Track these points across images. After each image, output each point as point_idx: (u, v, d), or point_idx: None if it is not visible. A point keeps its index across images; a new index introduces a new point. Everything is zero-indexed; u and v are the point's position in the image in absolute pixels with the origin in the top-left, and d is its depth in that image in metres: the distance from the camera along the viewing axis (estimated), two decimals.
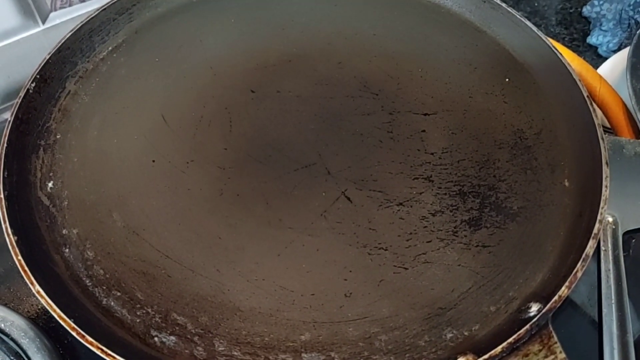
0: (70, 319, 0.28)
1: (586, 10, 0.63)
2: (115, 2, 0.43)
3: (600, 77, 0.51)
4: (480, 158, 0.37)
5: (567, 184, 0.35)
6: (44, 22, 0.47)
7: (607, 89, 0.51)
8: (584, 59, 0.51)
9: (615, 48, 0.60)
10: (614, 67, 0.55)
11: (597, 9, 0.62)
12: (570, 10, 0.64)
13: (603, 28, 0.61)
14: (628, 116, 0.49)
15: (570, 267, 0.30)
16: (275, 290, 0.32)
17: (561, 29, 0.63)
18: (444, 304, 0.31)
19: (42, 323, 0.37)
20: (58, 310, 0.29)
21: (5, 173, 0.34)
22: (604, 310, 0.36)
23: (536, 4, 0.65)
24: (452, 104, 0.40)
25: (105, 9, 0.42)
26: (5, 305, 0.38)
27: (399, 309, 0.31)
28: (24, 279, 0.38)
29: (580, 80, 0.38)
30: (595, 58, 0.61)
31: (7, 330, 0.34)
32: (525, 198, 0.35)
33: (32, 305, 0.38)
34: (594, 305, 0.37)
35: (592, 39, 0.61)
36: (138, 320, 0.30)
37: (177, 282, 0.32)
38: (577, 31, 0.63)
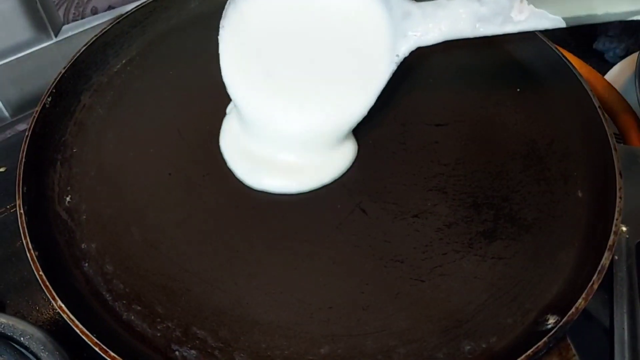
0: (92, 334, 0.29)
1: None
2: (129, 15, 0.43)
3: (609, 84, 0.51)
4: (494, 169, 0.37)
5: (580, 194, 0.36)
6: (56, 35, 0.48)
7: (616, 95, 0.51)
8: (590, 64, 0.51)
9: (622, 54, 0.60)
10: (621, 72, 0.56)
11: None
12: None
13: (609, 34, 0.61)
14: (636, 122, 0.49)
15: (586, 278, 0.31)
16: (294, 303, 0.32)
17: (567, 35, 0.63)
18: (461, 316, 0.31)
19: (60, 335, 0.37)
20: (81, 326, 0.29)
21: (25, 188, 0.34)
22: (616, 318, 0.37)
23: None
24: (464, 115, 0.40)
25: (118, 22, 0.43)
26: (24, 318, 0.38)
27: (417, 321, 0.31)
28: (40, 290, 0.39)
29: (591, 90, 0.39)
30: (602, 64, 0.61)
31: (26, 343, 0.34)
32: (539, 209, 0.35)
33: (48, 316, 0.39)
34: (606, 312, 0.37)
35: (598, 45, 0.61)
36: (159, 335, 0.31)
37: (196, 295, 0.32)
38: (583, 37, 0.63)
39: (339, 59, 0.36)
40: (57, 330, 0.38)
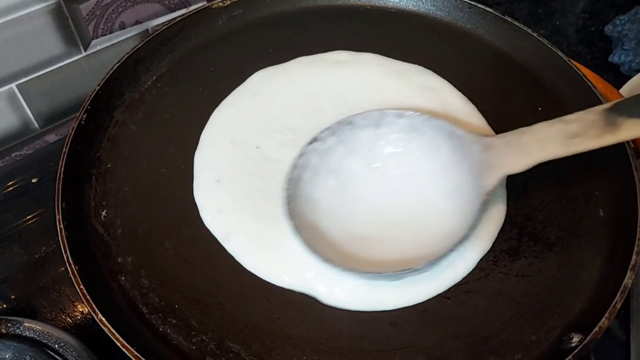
0: (132, 347, 0.30)
1: (608, 29, 0.64)
2: (159, 32, 0.45)
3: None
4: (517, 187, 0.38)
5: (602, 214, 0.36)
6: (85, 49, 0.49)
7: None
8: (606, 77, 0.52)
9: (638, 67, 0.61)
10: (637, 86, 0.56)
11: (619, 28, 0.62)
12: (592, 29, 0.65)
13: (625, 47, 0.61)
14: None
15: (609, 298, 0.32)
16: (323, 318, 0.33)
17: (582, 48, 0.64)
18: (486, 333, 0.32)
19: (85, 338, 0.38)
20: (121, 339, 0.30)
21: (64, 204, 0.35)
22: (632, 334, 0.37)
23: (557, 23, 0.66)
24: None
25: (149, 39, 0.44)
26: (51, 322, 0.39)
27: (443, 338, 0.32)
28: (65, 295, 0.40)
29: None
30: (617, 77, 0.61)
31: (61, 351, 0.36)
32: (561, 228, 0.36)
33: (75, 320, 0.40)
34: (622, 326, 0.38)
35: (613, 58, 0.62)
36: (194, 348, 0.32)
37: (229, 310, 0.33)
38: (598, 50, 0.63)
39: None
40: (83, 334, 0.39)
